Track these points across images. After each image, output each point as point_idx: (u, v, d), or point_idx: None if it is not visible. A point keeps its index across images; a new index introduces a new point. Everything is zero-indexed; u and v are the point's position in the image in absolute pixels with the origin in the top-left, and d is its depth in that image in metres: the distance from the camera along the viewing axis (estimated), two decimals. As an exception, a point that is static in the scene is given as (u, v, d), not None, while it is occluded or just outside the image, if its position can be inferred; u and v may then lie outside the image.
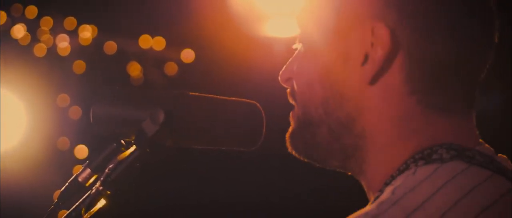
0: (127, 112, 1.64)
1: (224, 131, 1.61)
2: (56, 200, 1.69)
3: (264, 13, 5.11)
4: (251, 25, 5.13)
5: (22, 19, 5.23)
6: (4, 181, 5.20)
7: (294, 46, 1.64)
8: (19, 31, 5.24)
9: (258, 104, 1.64)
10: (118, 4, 5.20)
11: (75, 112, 5.36)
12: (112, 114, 1.65)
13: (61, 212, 1.70)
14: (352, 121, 1.53)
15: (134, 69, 5.38)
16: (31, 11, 5.23)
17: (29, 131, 5.28)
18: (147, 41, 5.34)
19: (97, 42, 5.31)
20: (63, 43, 5.30)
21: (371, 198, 1.54)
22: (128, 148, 1.64)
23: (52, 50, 5.30)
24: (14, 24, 5.23)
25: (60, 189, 1.69)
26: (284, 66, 1.64)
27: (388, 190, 1.42)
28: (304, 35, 1.60)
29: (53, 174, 5.23)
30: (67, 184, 1.68)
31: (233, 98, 1.64)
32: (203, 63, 5.32)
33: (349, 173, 1.60)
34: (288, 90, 1.63)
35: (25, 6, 5.22)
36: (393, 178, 1.47)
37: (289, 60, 1.64)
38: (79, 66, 5.36)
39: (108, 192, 1.61)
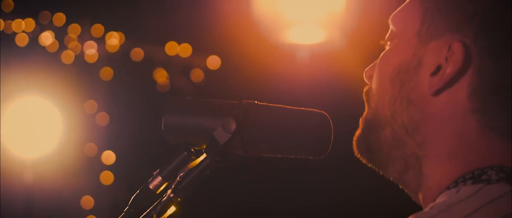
0: (199, 121, 1.67)
1: (293, 140, 1.64)
2: (128, 206, 1.71)
3: (288, 20, 5.15)
4: (275, 32, 5.17)
5: (50, 26, 5.28)
6: (36, 185, 5.23)
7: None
8: (47, 38, 5.28)
9: (326, 114, 1.66)
10: (145, 12, 5.23)
11: (103, 118, 5.39)
12: (184, 123, 1.69)
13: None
14: (416, 128, 1.54)
15: (161, 75, 5.41)
16: (59, 18, 5.27)
17: (58, 137, 5.31)
18: (173, 48, 5.37)
19: (124, 49, 5.35)
20: (91, 50, 5.34)
21: None
22: (198, 157, 1.68)
23: (79, 57, 5.34)
24: (42, 31, 5.27)
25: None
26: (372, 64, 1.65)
27: (428, 206, 1.44)
28: (393, 33, 1.61)
29: (81, 179, 5.26)
30: (138, 191, 1.72)
31: (302, 108, 1.66)
32: (229, 69, 5.35)
33: (406, 190, 1.60)
34: (365, 88, 1.64)
35: (53, 14, 5.26)
36: (440, 194, 1.48)
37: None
38: (107, 73, 5.39)
39: (179, 199, 1.65)
